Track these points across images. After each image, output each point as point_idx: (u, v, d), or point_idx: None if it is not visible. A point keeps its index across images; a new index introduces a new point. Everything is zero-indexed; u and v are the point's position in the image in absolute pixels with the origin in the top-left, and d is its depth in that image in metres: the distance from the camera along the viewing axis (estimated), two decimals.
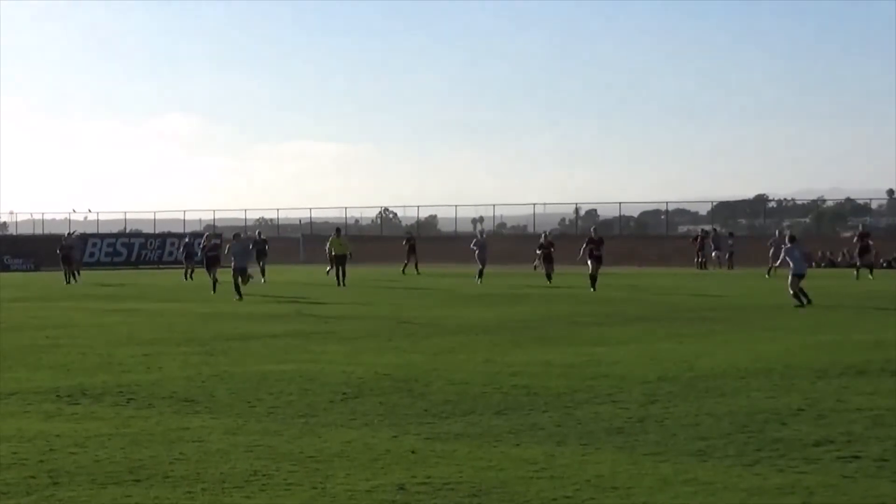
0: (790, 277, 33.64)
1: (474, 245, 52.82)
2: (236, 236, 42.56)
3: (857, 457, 11.07)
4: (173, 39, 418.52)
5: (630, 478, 10.23)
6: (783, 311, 30.91)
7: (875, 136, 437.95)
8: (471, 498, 9.58)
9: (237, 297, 37.59)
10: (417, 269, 59.31)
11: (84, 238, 76.71)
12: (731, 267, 66.69)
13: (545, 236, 49.86)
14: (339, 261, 48.59)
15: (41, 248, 74.67)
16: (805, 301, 32.67)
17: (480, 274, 50.75)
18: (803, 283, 33.42)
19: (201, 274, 49.49)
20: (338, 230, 51.75)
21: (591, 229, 49.75)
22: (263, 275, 51.93)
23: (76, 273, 55.52)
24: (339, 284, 46.98)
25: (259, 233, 61.95)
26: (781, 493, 9.61)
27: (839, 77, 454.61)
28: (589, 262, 43.13)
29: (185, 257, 58.99)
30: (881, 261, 68.94)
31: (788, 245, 34.64)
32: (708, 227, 77.23)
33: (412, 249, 60.06)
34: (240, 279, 38.44)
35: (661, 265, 64.31)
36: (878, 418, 13.29)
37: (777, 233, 55.32)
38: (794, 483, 9.96)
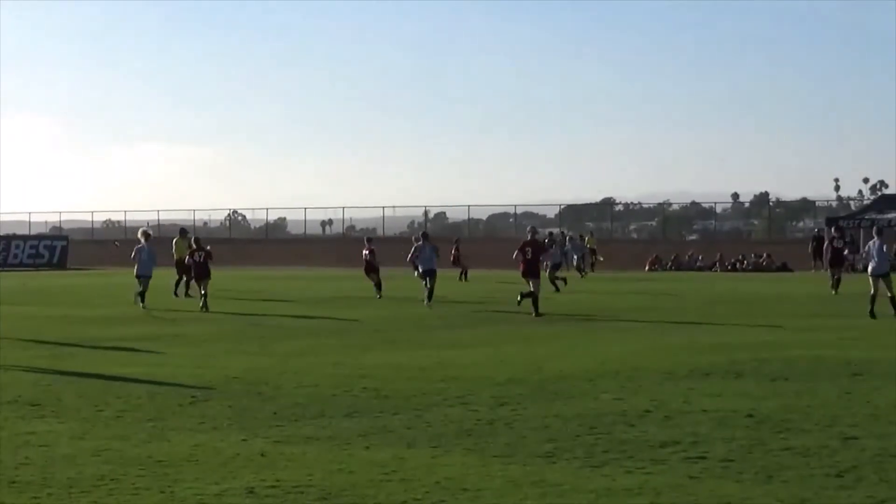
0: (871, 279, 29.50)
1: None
2: None
3: (702, 457, 11.25)
4: (31, 39, 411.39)
5: (479, 480, 10.28)
6: (630, 314, 31.32)
7: (719, 142, 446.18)
8: (320, 501, 9.56)
9: None
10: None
11: None
12: (592, 270, 67.02)
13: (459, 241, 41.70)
14: (182, 266, 41.19)
15: None
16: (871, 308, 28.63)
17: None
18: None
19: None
20: (183, 230, 46.03)
21: None
22: (203, 292, 35.67)
23: None
24: (175, 294, 40.70)
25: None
26: (629, 494, 9.73)
27: (702, 84, 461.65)
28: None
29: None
30: (726, 263, 70.40)
31: (875, 239, 29.98)
32: (555, 231, 77.94)
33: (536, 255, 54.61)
34: None
35: (514, 268, 64.45)
36: (724, 419, 13.52)
37: (816, 230, 50.72)
38: (641, 484, 10.10)
